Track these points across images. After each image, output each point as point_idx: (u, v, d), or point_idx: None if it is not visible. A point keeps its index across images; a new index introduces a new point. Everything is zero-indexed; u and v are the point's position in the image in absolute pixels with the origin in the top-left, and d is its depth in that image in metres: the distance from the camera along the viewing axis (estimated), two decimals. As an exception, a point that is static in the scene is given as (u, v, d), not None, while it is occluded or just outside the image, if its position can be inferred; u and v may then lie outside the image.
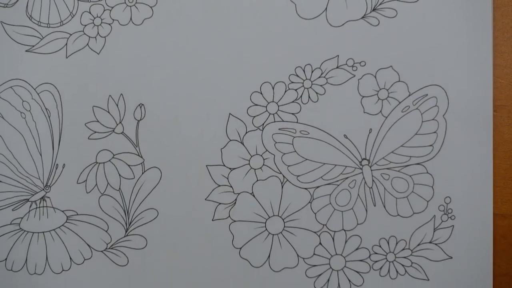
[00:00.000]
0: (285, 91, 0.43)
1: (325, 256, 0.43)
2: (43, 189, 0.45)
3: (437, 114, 0.42)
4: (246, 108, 0.43)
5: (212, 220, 0.44)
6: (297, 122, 0.43)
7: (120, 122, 0.44)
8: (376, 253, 0.43)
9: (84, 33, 0.45)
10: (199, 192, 0.44)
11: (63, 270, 0.45)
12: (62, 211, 0.45)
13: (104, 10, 0.45)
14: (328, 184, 0.43)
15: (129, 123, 0.44)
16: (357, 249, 0.43)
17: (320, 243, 0.43)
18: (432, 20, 0.42)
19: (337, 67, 0.43)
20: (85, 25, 0.45)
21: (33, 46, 0.45)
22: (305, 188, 0.43)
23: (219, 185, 0.44)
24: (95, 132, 0.45)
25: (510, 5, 0.41)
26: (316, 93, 0.43)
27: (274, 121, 0.43)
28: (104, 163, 0.44)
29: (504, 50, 0.41)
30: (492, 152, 0.41)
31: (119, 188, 0.44)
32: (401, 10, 0.42)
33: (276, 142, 0.43)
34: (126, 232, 0.44)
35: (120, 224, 0.44)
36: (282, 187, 0.43)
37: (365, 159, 0.43)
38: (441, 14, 0.42)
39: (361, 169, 0.43)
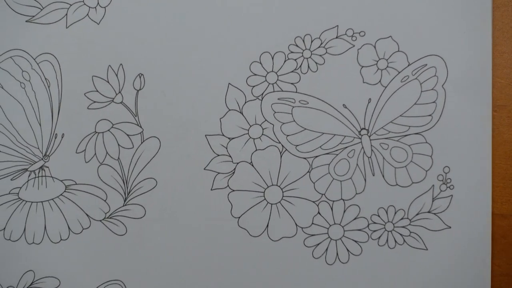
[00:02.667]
0: (285, 61, 0.43)
1: (323, 225, 0.43)
2: (42, 159, 0.45)
3: (436, 84, 0.42)
4: (245, 78, 0.43)
5: (211, 189, 0.44)
6: (296, 92, 0.43)
7: (119, 92, 0.44)
8: (374, 223, 0.43)
9: (84, 4, 0.45)
10: (198, 161, 0.44)
11: (61, 239, 0.45)
12: (61, 181, 0.45)
13: (104, -19, 0.45)
14: (327, 153, 0.43)
15: (129, 92, 0.44)
16: (355, 218, 0.43)
17: (319, 213, 0.43)
18: (431, -11, 0.42)
19: (336, 37, 0.43)
20: (85, -4, 0.45)
21: (33, 16, 0.45)
22: (304, 158, 0.43)
23: (218, 155, 0.44)
24: (95, 102, 0.45)
25: (510, 5, 0.41)
26: (316, 63, 0.43)
27: (274, 91, 0.43)
28: (103, 132, 0.44)
29: (504, 50, 0.41)
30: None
31: (118, 158, 0.44)
32: (400, -20, 0.42)
33: (275, 112, 0.43)
34: (124, 201, 0.44)
35: (118, 193, 0.44)
36: (281, 156, 0.43)
37: (364, 128, 0.43)
38: (440, -17, 0.42)
39: (360, 138, 0.43)
